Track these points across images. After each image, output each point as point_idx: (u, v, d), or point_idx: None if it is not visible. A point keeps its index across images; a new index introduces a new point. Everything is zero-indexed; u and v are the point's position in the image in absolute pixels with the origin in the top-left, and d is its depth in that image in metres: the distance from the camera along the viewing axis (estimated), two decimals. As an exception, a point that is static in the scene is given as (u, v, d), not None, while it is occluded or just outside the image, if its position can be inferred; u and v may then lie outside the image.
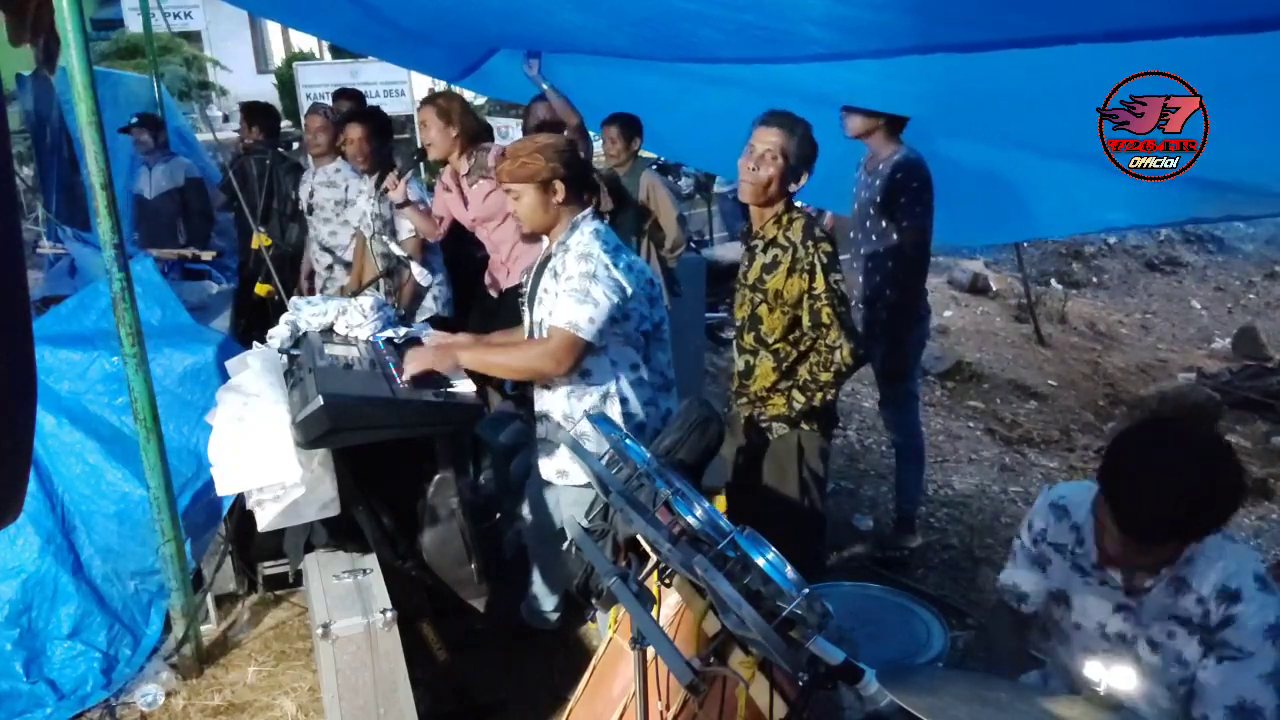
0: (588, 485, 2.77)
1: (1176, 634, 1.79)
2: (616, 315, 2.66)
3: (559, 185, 2.69)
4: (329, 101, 6.10)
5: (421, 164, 4.35)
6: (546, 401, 2.83)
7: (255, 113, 5.78)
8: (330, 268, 4.80)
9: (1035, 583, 2.03)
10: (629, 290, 2.67)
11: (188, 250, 5.48)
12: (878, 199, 3.86)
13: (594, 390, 2.76)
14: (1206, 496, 1.65)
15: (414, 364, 2.73)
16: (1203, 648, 1.77)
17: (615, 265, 2.65)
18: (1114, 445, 1.77)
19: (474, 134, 4.08)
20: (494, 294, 4.25)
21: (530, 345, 2.74)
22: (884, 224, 3.87)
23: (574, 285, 2.62)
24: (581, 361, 2.70)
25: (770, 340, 2.87)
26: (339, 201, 4.70)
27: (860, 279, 3.99)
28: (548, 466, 2.88)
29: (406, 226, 4.34)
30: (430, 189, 4.50)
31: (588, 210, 2.77)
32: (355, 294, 4.12)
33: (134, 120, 6.21)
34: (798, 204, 2.91)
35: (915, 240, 3.86)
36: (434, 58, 6.02)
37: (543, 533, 3.20)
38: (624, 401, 2.78)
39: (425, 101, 4.10)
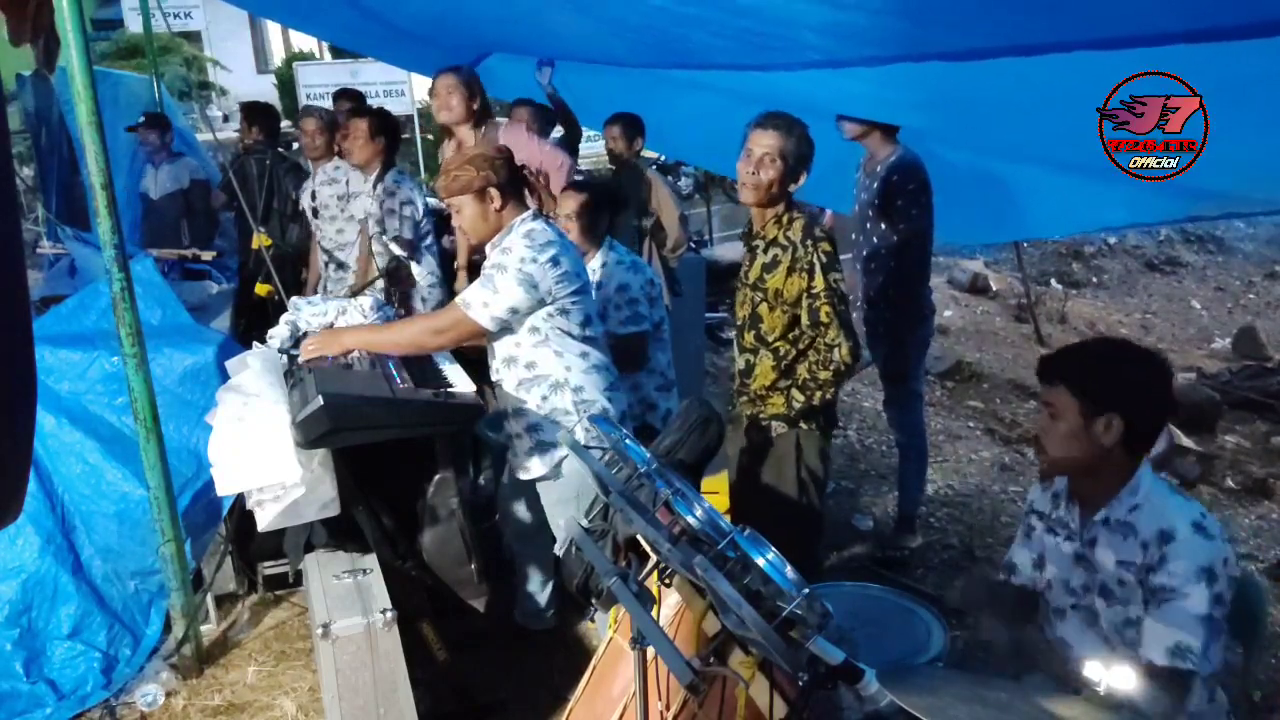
0: (554, 476, 2.85)
1: (1126, 580, 1.89)
2: (521, 308, 2.69)
3: (494, 193, 2.72)
4: (328, 102, 6.11)
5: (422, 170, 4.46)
6: (503, 398, 2.86)
7: (255, 113, 5.78)
8: (332, 267, 4.81)
9: (1025, 554, 2.16)
10: (543, 285, 2.68)
11: (188, 250, 5.48)
12: (876, 201, 3.86)
13: (542, 382, 2.79)
14: (1101, 353, 1.97)
15: (304, 354, 2.81)
16: (1143, 591, 1.85)
17: (534, 261, 2.67)
18: None
19: (486, 112, 4.07)
20: None
21: (415, 321, 2.83)
22: (883, 226, 3.87)
23: (485, 273, 2.70)
24: (468, 339, 2.79)
25: (770, 339, 2.87)
26: (341, 196, 4.70)
27: (862, 280, 3.99)
28: (515, 464, 2.92)
29: (392, 226, 4.34)
30: (432, 191, 4.50)
31: (527, 213, 2.79)
32: (357, 293, 4.12)
33: (141, 119, 6.19)
34: (798, 203, 2.91)
35: (915, 241, 3.86)
36: (431, 57, 6.02)
37: (522, 532, 3.21)
38: (578, 390, 2.80)
39: (447, 70, 4.02)
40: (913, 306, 3.94)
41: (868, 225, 3.94)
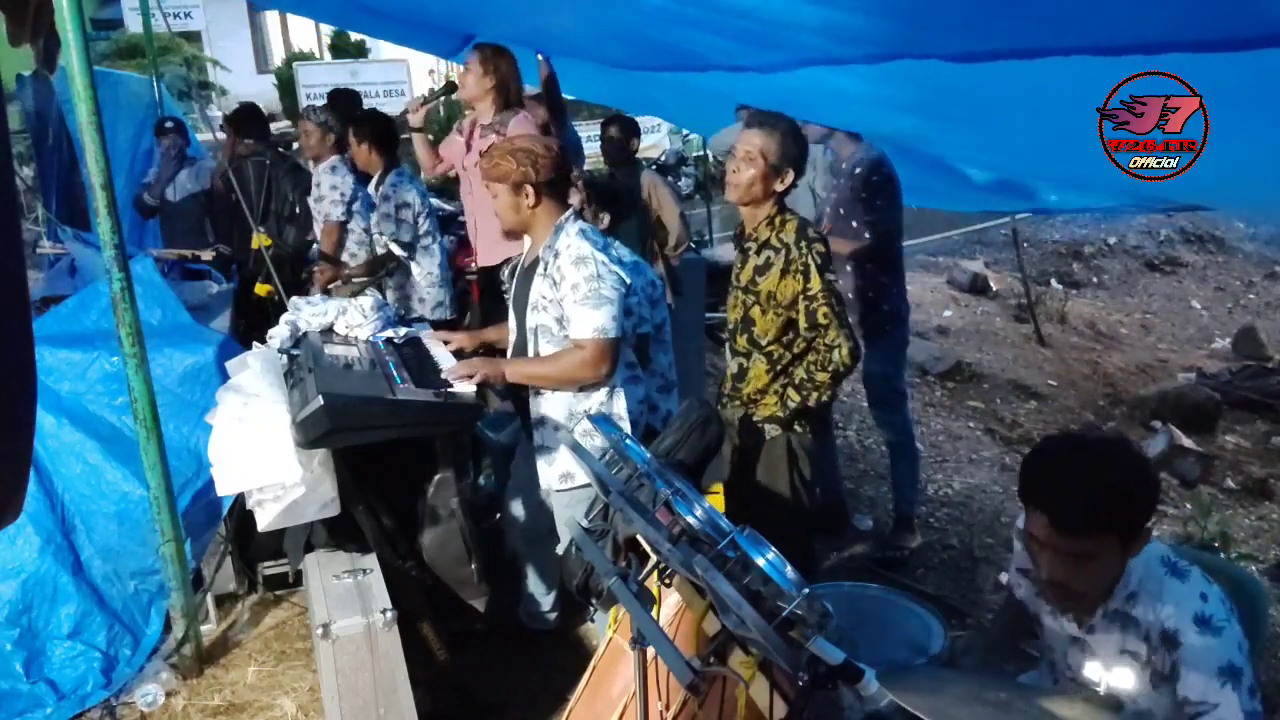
0: (588, 487, 2.79)
1: (1130, 670, 1.79)
2: (624, 306, 2.72)
3: (529, 190, 2.71)
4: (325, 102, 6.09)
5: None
6: (548, 405, 2.83)
7: (241, 120, 5.76)
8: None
9: (1019, 591, 2.07)
10: (628, 281, 2.73)
11: (187, 250, 5.47)
12: (846, 198, 3.87)
13: (600, 386, 2.78)
14: (1122, 484, 1.69)
15: (464, 371, 2.73)
16: (1160, 693, 1.74)
17: (610, 260, 2.71)
18: (1029, 456, 1.82)
19: (510, 92, 4.03)
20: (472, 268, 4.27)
21: (565, 356, 2.73)
22: (854, 224, 3.88)
23: (583, 292, 2.64)
24: (618, 360, 2.74)
25: (764, 342, 2.86)
26: (317, 200, 4.72)
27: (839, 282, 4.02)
28: (549, 473, 2.87)
29: (388, 229, 4.36)
30: (431, 189, 4.54)
31: (569, 212, 2.80)
32: (357, 293, 4.13)
33: (169, 125, 6.16)
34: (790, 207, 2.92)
35: (887, 238, 3.87)
36: (425, 39, 6.01)
37: (534, 534, 3.20)
38: (623, 397, 2.82)
39: (476, 46, 4.02)
40: (889, 306, 3.95)
41: (838, 225, 3.96)
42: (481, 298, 4.51)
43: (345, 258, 4.70)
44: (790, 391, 2.84)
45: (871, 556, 4.13)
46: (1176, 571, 1.76)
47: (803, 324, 2.78)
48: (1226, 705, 1.64)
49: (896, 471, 4.23)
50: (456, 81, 4.11)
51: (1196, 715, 1.67)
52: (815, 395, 2.82)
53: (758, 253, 2.83)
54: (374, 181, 4.53)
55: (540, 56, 4.53)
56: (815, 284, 2.73)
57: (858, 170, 3.81)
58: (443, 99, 4.33)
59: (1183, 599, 1.71)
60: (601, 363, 2.68)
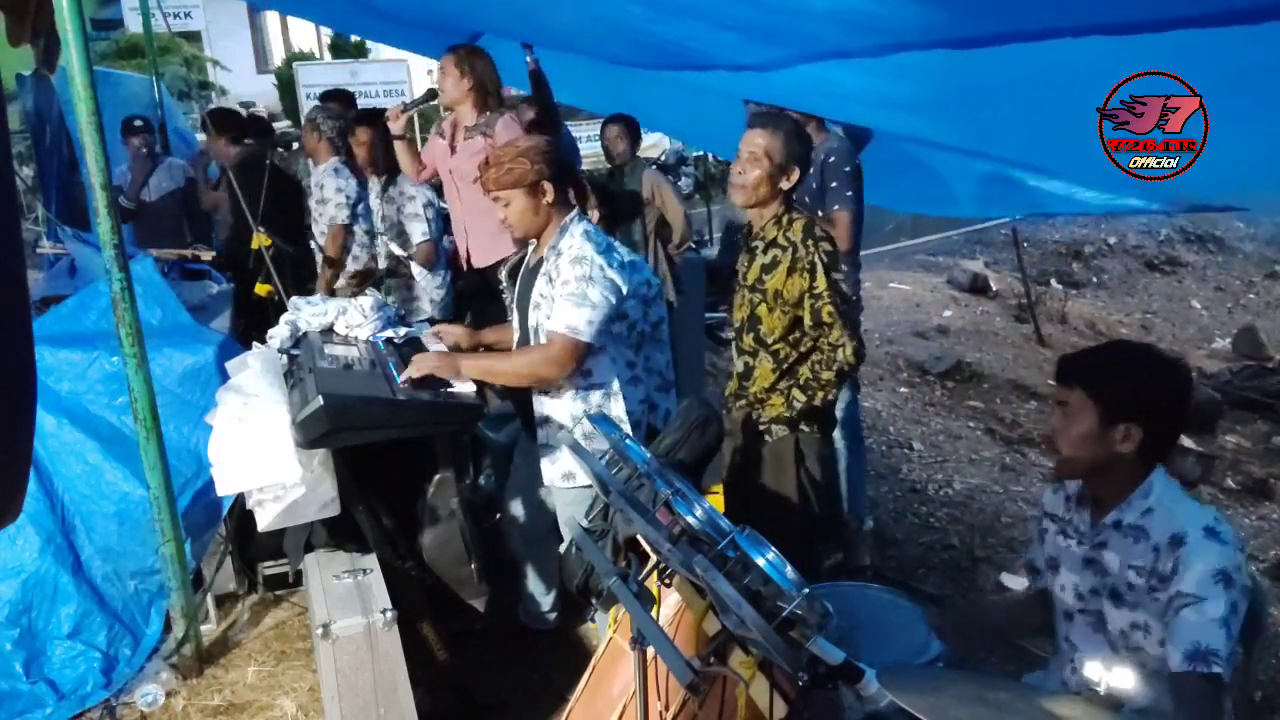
0: (590, 487, 2.79)
1: (1135, 584, 1.87)
2: (613, 314, 2.69)
3: (547, 186, 2.69)
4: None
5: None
6: (549, 405, 2.83)
7: (220, 122, 5.72)
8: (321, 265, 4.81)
9: (1041, 557, 2.15)
10: (624, 289, 2.70)
11: (188, 250, 5.47)
12: (814, 187, 3.87)
13: (597, 390, 2.78)
14: (1128, 361, 1.95)
15: (416, 369, 2.71)
16: (1157, 599, 1.83)
17: (610, 265, 2.68)
18: None
19: (489, 92, 3.98)
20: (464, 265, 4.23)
21: (529, 352, 2.73)
22: (819, 213, 3.89)
23: (570, 289, 2.63)
24: (582, 363, 2.71)
25: (770, 341, 2.86)
26: (319, 201, 4.71)
27: None
28: (552, 471, 2.87)
29: (419, 230, 4.35)
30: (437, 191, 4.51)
31: (574, 211, 2.79)
32: (358, 292, 4.12)
33: (139, 123, 6.13)
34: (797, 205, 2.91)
35: (851, 223, 3.87)
36: (426, 39, 6.00)
37: (533, 534, 3.20)
38: (624, 399, 2.81)
39: (449, 50, 3.99)
40: (848, 290, 3.94)
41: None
42: (473, 299, 4.48)
43: (348, 260, 4.69)
44: (795, 392, 2.83)
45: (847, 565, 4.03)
46: (1195, 497, 1.93)
47: (808, 322, 2.78)
48: (1213, 602, 1.74)
49: (851, 470, 4.09)
50: (436, 88, 4.09)
51: (1183, 606, 1.77)
52: (820, 395, 2.81)
53: (765, 251, 2.83)
54: (381, 184, 4.53)
55: (529, 57, 4.50)
56: (820, 282, 2.73)
57: (831, 159, 3.82)
58: (426, 104, 4.29)
59: (1197, 514, 1.85)
60: (565, 361, 2.66)
